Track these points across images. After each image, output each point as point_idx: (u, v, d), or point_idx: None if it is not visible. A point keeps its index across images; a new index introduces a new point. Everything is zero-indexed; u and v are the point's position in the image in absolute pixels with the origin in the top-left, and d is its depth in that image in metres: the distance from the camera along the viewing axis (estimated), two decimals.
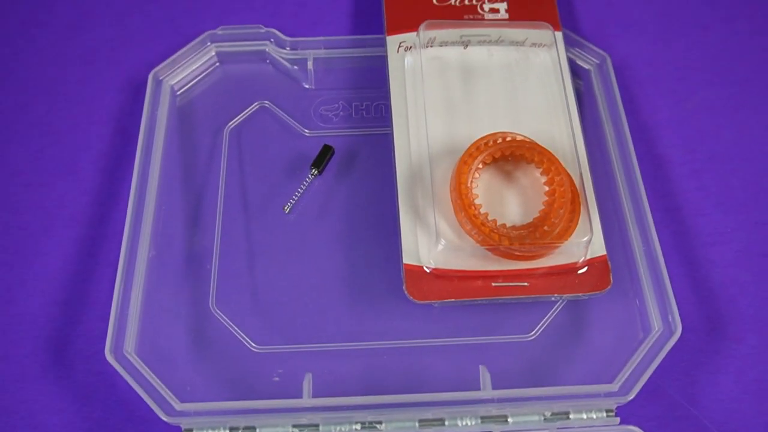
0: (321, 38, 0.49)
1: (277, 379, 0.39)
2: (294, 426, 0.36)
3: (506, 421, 0.36)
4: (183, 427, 0.36)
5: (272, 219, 0.44)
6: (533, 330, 0.40)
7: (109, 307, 0.40)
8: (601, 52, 0.48)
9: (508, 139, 0.42)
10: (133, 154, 0.45)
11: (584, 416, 0.36)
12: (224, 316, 0.41)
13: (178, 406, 0.36)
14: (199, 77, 0.49)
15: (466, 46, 0.47)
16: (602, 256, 0.40)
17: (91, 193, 0.46)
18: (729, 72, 0.51)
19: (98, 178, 0.47)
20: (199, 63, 0.49)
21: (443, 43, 0.46)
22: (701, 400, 0.40)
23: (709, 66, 0.52)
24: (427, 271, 0.40)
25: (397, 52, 0.46)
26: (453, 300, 0.39)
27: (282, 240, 0.43)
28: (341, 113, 0.48)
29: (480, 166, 0.41)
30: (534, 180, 0.42)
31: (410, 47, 0.46)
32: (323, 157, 0.45)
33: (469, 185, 0.40)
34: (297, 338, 0.40)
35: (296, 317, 0.41)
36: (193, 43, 0.48)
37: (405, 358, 0.39)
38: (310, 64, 0.48)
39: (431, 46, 0.46)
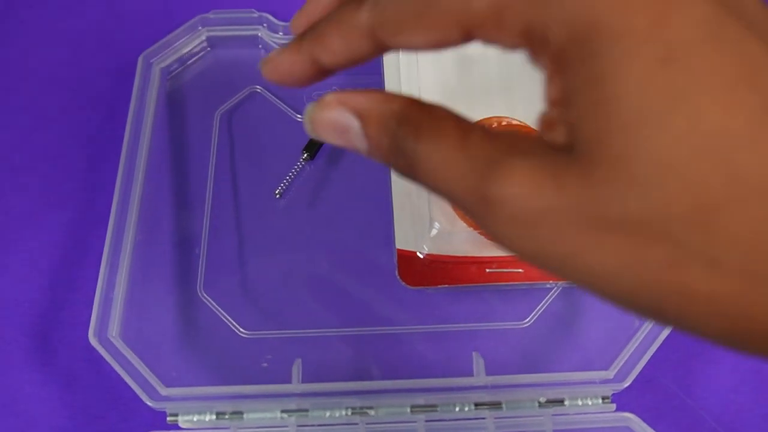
0: None
1: (265, 365, 0.38)
2: (283, 411, 0.35)
3: (500, 407, 0.35)
4: (168, 411, 0.35)
5: (263, 204, 0.43)
6: (528, 317, 0.39)
7: (93, 294, 0.39)
8: None
9: (504, 123, 0.41)
10: (121, 137, 0.44)
11: (579, 402, 0.35)
12: (212, 301, 0.40)
13: (162, 390, 0.36)
14: (190, 62, 0.48)
15: None
16: None
17: (78, 177, 0.46)
18: None
19: (85, 162, 0.46)
20: (190, 47, 0.48)
21: None
22: (697, 389, 0.39)
23: None
24: (421, 257, 0.39)
25: None
26: (447, 286, 0.39)
27: (272, 225, 0.42)
28: None
29: None
30: None
31: None
32: (315, 142, 0.44)
33: None
34: (286, 324, 0.39)
35: (286, 303, 0.40)
36: (184, 26, 0.48)
37: (397, 345, 0.39)
38: None
39: None
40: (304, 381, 0.36)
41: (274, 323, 0.39)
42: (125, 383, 0.36)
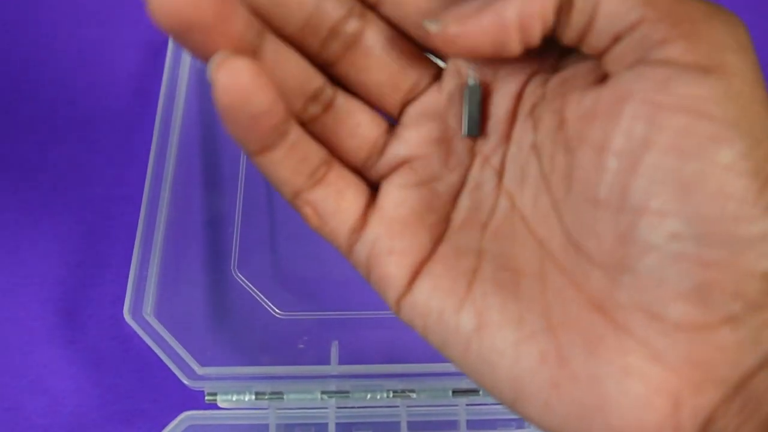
0: None
1: (302, 346, 0.38)
2: (323, 393, 0.35)
3: None
4: (206, 390, 0.35)
5: None
6: None
7: (123, 271, 0.39)
8: None
9: None
10: (152, 114, 0.43)
11: None
12: (246, 281, 0.39)
13: (199, 370, 0.35)
14: None
15: None
16: None
17: (107, 153, 0.45)
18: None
19: (115, 138, 0.45)
20: None
21: None
22: None
23: None
24: None
25: None
26: None
27: None
28: None
29: None
30: None
31: None
32: None
33: None
34: (322, 305, 0.39)
35: (321, 284, 0.39)
36: None
37: None
38: None
39: None
40: (341, 363, 0.36)
41: (309, 304, 0.39)
42: (155, 362, 0.36)
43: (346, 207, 0.22)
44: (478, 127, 0.22)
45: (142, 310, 0.37)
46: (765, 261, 0.17)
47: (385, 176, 0.23)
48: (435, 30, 0.20)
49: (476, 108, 0.22)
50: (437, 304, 0.21)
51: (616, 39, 0.18)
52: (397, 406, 0.35)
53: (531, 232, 0.21)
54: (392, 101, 0.23)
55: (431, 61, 0.23)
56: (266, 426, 0.34)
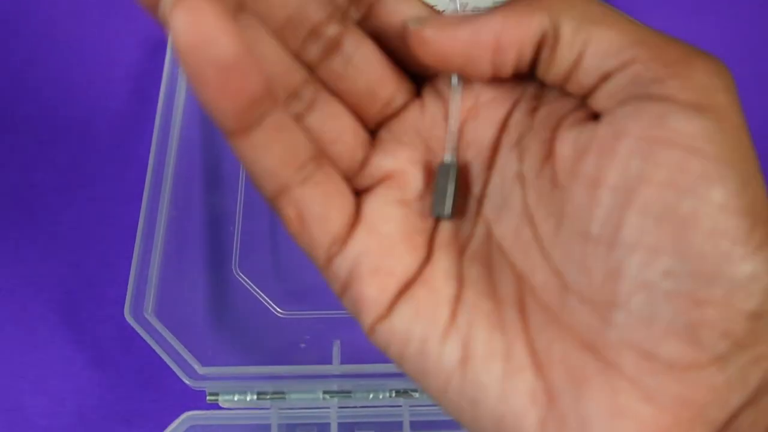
0: None
1: (303, 345, 0.37)
2: (325, 392, 0.34)
3: None
4: (207, 390, 0.35)
5: None
6: None
7: (123, 271, 0.38)
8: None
9: None
10: (152, 112, 0.43)
11: None
12: (248, 280, 0.39)
13: (201, 369, 0.35)
14: None
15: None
16: None
17: (108, 152, 0.45)
18: (764, 49, 0.50)
19: (115, 136, 0.45)
20: None
21: None
22: None
23: (745, 43, 0.51)
24: None
25: None
26: None
27: None
28: None
29: None
30: None
31: None
32: None
33: None
34: (324, 304, 0.38)
35: (322, 283, 0.39)
36: None
37: None
38: None
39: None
40: (343, 362, 0.36)
41: (310, 303, 0.39)
42: (156, 362, 0.35)
43: (333, 215, 0.20)
44: (452, 208, 0.21)
45: (143, 310, 0.36)
46: (753, 300, 0.17)
47: (367, 190, 0.22)
48: (413, 27, 0.20)
49: (448, 187, 0.21)
50: (420, 331, 0.20)
51: (605, 78, 0.18)
52: (400, 406, 0.34)
53: (509, 264, 0.20)
54: (370, 112, 0.22)
55: (408, 78, 0.23)
56: (268, 426, 0.34)
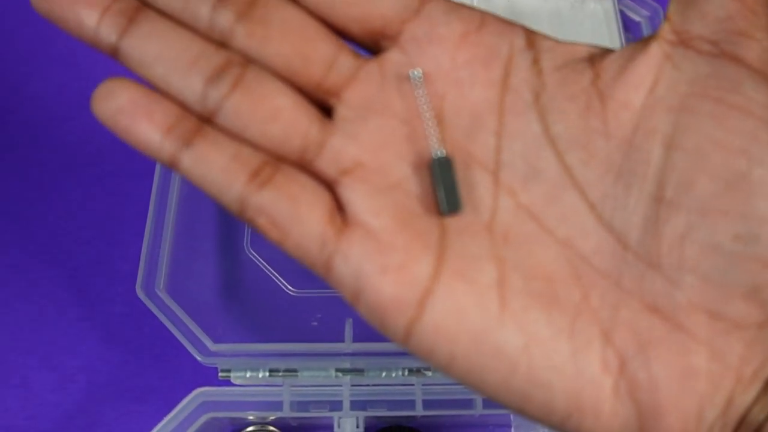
0: None
1: (315, 323, 0.37)
2: (337, 370, 0.34)
3: None
4: (219, 367, 0.35)
5: None
6: None
7: (134, 248, 0.38)
8: (653, 3, 0.47)
9: None
10: None
11: None
12: (260, 258, 0.39)
13: (212, 346, 0.35)
14: None
15: None
16: None
17: None
18: None
19: None
20: None
21: None
22: None
23: None
24: None
25: None
26: None
27: None
28: None
29: None
30: None
31: None
32: None
33: None
34: None
35: None
36: None
37: None
38: None
39: None
40: (355, 341, 0.36)
41: (322, 282, 0.38)
42: (168, 338, 0.35)
43: (305, 212, 0.19)
44: (460, 202, 0.19)
45: (154, 286, 0.36)
46: None
47: (338, 180, 0.20)
48: None
49: (451, 180, 0.19)
50: (469, 326, 0.18)
51: None
52: (412, 385, 0.34)
53: (547, 232, 0.19)
54: (310, 80, 0.20)
55: (343, 42, 0.21)
56: (280, 403, 0.34)
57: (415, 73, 0.20)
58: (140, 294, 0.36)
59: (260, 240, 0.39)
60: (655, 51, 0.19)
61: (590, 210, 0.19)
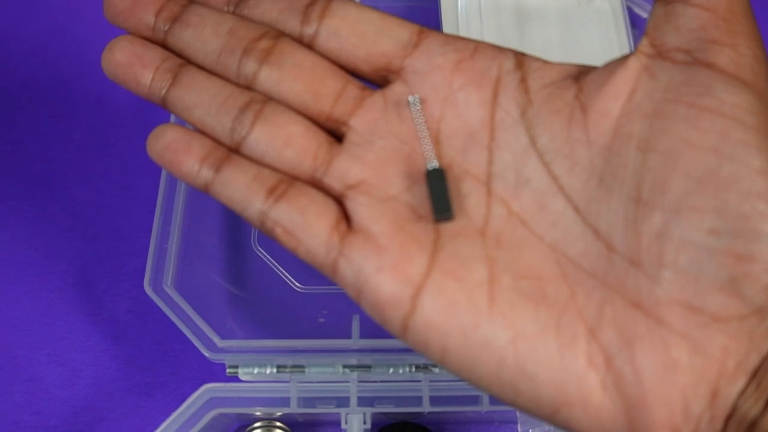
0: None
1: (322, 320, 0.37)
2: (344, 366, 0.34)
3: None
4: (227, 363, 0.35)
5: None
6: None
7: (142, 244, 0.39)
8: None
9: None
10: None
11: None
12: (267, 255, 0.39)
13: (220, 342, 0.35)
14: None
15: None
16: None
17: (125, 123, 0.44)
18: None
19: (133, 108, 0.45)
20: None
21: None
22: None
23: None
24: None
25: None
26: None
27: None
28: None
29: None
30: None
31: None
32: None
33: None
34: None
35: None
36: None
37: None
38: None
39: None
40: (362, 337, 0.36)
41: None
42: (174, 334, 0.36)
43: (313, 221, 0.21)
44: (451, 208, 0.21)
45: (162, 282, 0.36)
46: None
47: (345, 194, 0.22)
48: None
49: (443, 189, 0.21)
50: (459, 320, 0.20)
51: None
52: (419, 381, 0.34)
53: (538, 237, 0.21)
54: (322, 111, 0.23)
55: (351, 77, 0.24)
56: (287, 399, 0.34)
57: (411, 98, 0.23)
58: (148, 290, 0.36)
59: (267, 237, 0.39)
60: (633, 64, 0.21)
61: (576, 214, 0.21)
